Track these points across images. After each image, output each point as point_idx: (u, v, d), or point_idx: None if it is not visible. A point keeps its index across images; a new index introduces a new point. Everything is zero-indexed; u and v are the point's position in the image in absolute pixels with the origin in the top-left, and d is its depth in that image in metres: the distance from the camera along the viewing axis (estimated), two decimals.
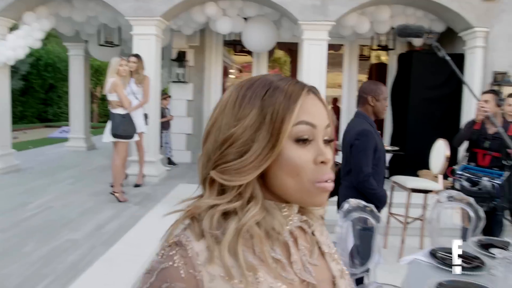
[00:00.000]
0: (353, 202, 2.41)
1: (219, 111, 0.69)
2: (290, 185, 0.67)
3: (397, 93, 7.16)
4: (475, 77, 5.81)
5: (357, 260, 2.38)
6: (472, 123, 3.69)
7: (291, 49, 8.90)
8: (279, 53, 10.15)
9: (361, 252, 2.43)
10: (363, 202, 2.39)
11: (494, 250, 1.80)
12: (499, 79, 5.60)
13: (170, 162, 7.59)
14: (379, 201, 2.70)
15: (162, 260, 0.63)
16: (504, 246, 1.89)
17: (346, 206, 2.35)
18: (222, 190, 0.67)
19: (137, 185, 5.81)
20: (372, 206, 2.36)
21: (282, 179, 0.67)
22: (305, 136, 0.66)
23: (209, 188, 0.68)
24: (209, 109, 8.08)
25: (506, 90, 5.25)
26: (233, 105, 0.67)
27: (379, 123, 7.83)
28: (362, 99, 2.85)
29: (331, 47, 6.29)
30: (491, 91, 3.77)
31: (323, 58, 5.88)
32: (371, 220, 2.37)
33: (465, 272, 1.83)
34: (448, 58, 2.26)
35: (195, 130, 8.12)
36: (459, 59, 6.10)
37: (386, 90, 2.87)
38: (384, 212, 4.53)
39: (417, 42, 7.36)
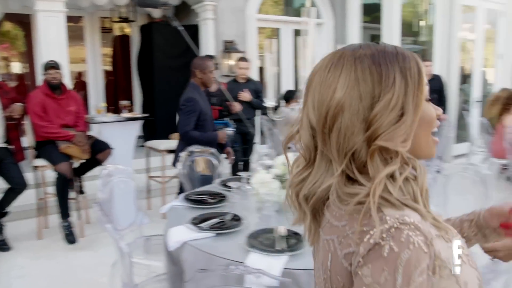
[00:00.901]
0: (111, 167, 2.55)
1: (347, 87, 0.69)
2: (423, 139, 0.75)
3: (142, 64, 7.41)
4: (209, 45, 6.48)
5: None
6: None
7: (24, 22, 8.07)
8: (9, 26, 9.06)
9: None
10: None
11: (230, 184, 2.24)
12: (228, 47, 6.41)
13: None
14: (209, 143, 3.28)
15: (398, 252, 0.61)
16: (238, 180, 2.35)
17: (104, 172, 2.47)
18: (385, 160, 0.69)
19: None
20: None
21: (418, 135, 0.72)
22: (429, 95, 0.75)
23: (371, 160, 0.68)
24: None
25: (234, 56, 6.09)
26: (369, 74, 0.69)
27: (129, 92, 7.99)
28: (192, 73, 3.41)
29: (70, 19, 6.00)
30: (209, 56, 4.38)
31: (62, 31, 5.58)
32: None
33: (213, 206, 2.23)
34: (181, 28, 2.57)
35: None
36: (195, 29, 6.70)
37: (211, 64, 3.43)
38: (143, 177, 4.80)
39: (156, 14, 7.67)
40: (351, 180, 0.71)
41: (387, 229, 0.63)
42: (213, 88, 4.14)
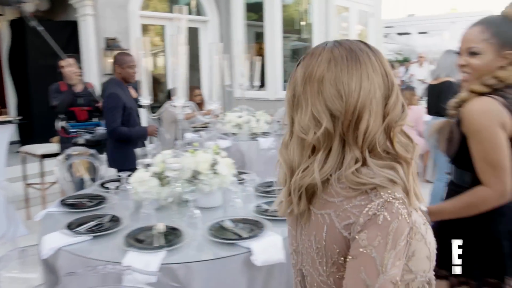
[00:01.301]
0: None
1: (370, 77, 0.79)
2: None
3: (15, 62, 6.84)
4: (90, 43, 6.19)
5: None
6: (58, 86, 4.04)
7: None
8: None
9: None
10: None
11: (109, 185, 2.19)
12: (110, 44, 6.17)
13: None
14: (139, 137, 3.35)
15: (390, 220, 0.74)
16: (117, 180, 2.30)
17: None
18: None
19: None
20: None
21: None
22: None
23: (394, 141, 0.81)
24: None
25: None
26: (378, 67, 0.80)
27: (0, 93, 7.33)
28: (112, 68, 3.39)
29: None
30: (72, 56, 4.18)
31: None
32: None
33: (91, 209, 2.15)
34: (41, 28, 2.40)
35: None
36: (74, 26, 6.34)
37: (131, 59, 3.34)
38: (20, 185, 4.46)
39: (28, 8, 7.12)
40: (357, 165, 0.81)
41: (382, 202, 0.75)
42: (79, 88, 3.93)
